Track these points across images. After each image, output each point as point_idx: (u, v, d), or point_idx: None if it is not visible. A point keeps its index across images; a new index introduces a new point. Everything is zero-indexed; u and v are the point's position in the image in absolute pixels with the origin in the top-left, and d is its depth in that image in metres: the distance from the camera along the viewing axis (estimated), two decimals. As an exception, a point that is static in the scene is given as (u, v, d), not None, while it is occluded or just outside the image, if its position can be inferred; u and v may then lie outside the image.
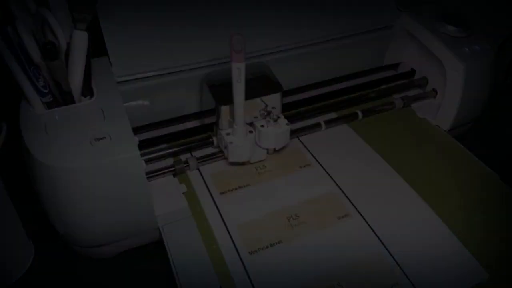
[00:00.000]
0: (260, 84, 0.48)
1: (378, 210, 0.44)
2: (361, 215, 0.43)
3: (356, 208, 0.44)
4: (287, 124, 0.47)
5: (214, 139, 0.49)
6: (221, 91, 0.46)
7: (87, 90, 0.42)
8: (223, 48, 0.49)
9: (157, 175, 0.46)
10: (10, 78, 0.38)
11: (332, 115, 0.55)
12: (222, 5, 0.49)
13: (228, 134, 0.46)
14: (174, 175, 0.47)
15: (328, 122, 0.53)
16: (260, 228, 0.42)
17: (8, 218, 0.40)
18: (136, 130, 0.49)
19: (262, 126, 0.47)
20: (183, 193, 0.45)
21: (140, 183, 0.38)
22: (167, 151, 0.48)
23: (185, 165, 0.47)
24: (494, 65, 0.54)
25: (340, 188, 0.46)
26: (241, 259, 0.39)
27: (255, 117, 0.47)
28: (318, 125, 0.53)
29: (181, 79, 0.49)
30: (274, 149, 0.49)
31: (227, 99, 0.44)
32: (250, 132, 0.47)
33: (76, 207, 0.37)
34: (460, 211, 0.44)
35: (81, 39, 0.39)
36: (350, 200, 0.45)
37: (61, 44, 0.38)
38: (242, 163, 0.48)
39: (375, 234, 0.41)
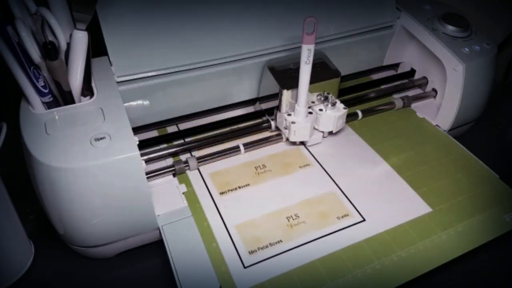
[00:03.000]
0: (318, 70, 0.49)
1: (373, 206, 0.44)
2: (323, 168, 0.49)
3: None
4: (344, 108, 0.50)
5: (272, 123, 0.51)
6: (282, 76, 0.49)
7: (87, 90, 0.42)
8: (223, 48, 0.49)
9: (157, 175, 0.46)
10: (10, 78, 0.38)
11: (332, 115, 0.56)
12: (220, 6, 0.49)
13: (289, 115, 0.49)
14: (174, 175, 0.47)
15: (328, 122, 0.53)
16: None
17: (8, 218, 0.40)
18: (136, 130, 0.49)
19: (320, 110, 0.49)
20: (183, 193, 0.45)
21: (140, 183, 0.38)
22: (167, 151, 0.48)
23: (185, 165, 0.47)
24: (494, 65, 0.54)
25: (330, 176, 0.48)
26: (239, 255, 0.39)
27: (313, 102, 0.50)
28: (318, 124, 0.53)
29: (181, 79, 0.49)
30: (330, 132, 0.51)
31: (290, 83, 0.47)
32: (310, 113, 0.49)
33: (76, 207, 0.37)
34: (449, 201, 0.46)
35: (81, 39, 0.39)
36: (332, 178, 0.47)
37: (61, 44, 0.38)
38: (301, 143, 0.51)
39: (331, 178, 0.47)
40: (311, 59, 0.44)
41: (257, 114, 0.54)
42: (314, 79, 0.47)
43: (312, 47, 0.44)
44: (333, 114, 0.49)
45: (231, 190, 0.45)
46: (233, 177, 0.47)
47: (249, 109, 0.56)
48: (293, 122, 0.48)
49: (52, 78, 0.39)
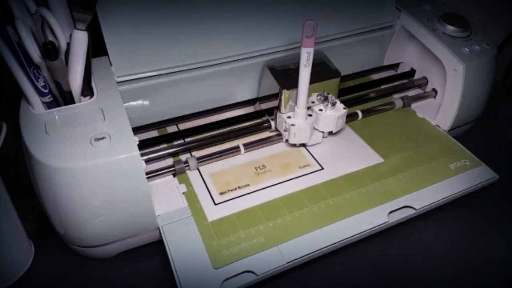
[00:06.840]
0: (318, 70, 0.50)
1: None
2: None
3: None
4: (344, 108, 0.50)
5: (272, 123, 0.51)
6: (282, 76, 0.49)
7: (87, 90, 0.42)
8: (223, 49, 0.49)
9: (157, 175, 0.46)
10: (10, 78, 0.38)
11: (332, 115, 0.56)
12: (221, 6, 0.49)
13: (289, 117, 0.48)
14: (174, 175, 0.47)
15: (328, 122, 0.53)
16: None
17: (7, 218, 0.40)
18: (136, 130, 0.49)
19: (320, 110, 0.49)
20: (183, 193, 0.45)
21: (140, 183, 0.38)
22: (167, 151, 0.48)
23: (185, 165, 0.47)
24: (494, 65, 0.54)
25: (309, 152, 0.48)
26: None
27: (313, 102, 0.50)
28: (318, 124, 0.53)
29: (181, 79, 0.49)
30: (331, 132, 0.51)
31: (289, 84, 0.47)
32: (310, 115, 0.49)
33: (76, 207, 0.37)
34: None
35: (81, 39, 0.39)
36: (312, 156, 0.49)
37: (61, 44, 0.38)
38: (300, 145, 0.51)
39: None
40: (310, 62, 0.44)
41: (257, 114, 0.54)
42: (314, 79, 0.47)
43: (311, 50, 0.43)
44: (333, 114, 0.49)
45: (231, 190, 0.46)
46: (233, 177, 0.47)
47: (249, 109, 0.56)
48: (292, 125, 0.48)
49: (52, 78, 0.39)
